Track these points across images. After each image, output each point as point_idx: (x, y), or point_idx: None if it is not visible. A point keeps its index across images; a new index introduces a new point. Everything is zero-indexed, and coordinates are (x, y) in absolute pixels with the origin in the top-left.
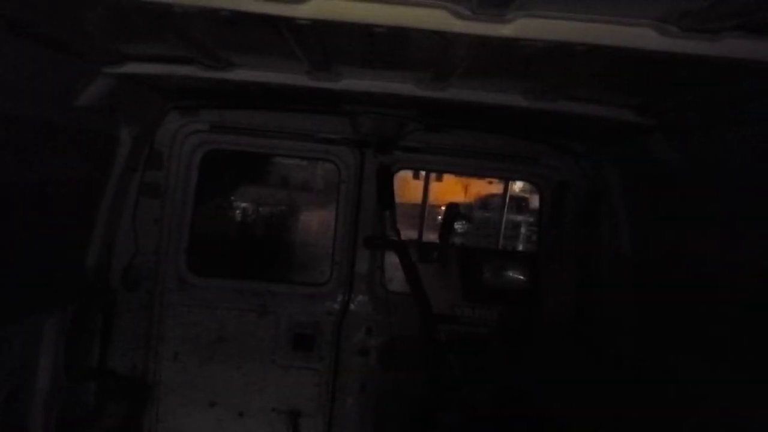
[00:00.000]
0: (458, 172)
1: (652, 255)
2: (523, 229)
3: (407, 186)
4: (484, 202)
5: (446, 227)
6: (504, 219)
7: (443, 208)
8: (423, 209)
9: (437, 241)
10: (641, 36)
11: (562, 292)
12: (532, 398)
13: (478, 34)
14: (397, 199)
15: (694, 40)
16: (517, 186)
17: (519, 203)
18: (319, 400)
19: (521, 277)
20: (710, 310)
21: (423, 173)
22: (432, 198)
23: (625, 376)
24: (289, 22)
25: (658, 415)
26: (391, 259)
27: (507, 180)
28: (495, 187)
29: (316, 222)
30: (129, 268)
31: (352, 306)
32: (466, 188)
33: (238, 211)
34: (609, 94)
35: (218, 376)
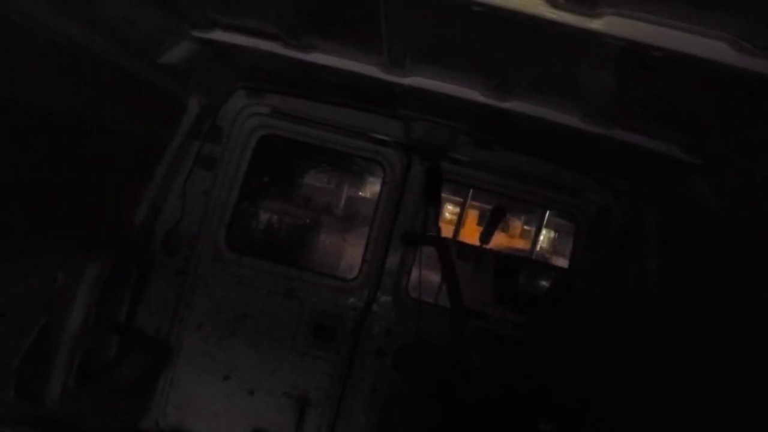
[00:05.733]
0: (499, 192)
1: (679, 296)
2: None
3: None
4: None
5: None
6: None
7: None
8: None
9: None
10: (715, 48)
11: (589, 313)
12: (547, 399)
13: (567, 23)
14: None
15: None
16: (544, 242)
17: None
18: (329, 391)
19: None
20: (733, 357)
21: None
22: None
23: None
24: None
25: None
26: (422, 266)
27: (545, 209)
28: (519, 242)
29: (356, 220)
30: (171, 233)
31: (375, 306)
32: None
33: (283, 198)
34: (662, 127)
35: (236, 351)
